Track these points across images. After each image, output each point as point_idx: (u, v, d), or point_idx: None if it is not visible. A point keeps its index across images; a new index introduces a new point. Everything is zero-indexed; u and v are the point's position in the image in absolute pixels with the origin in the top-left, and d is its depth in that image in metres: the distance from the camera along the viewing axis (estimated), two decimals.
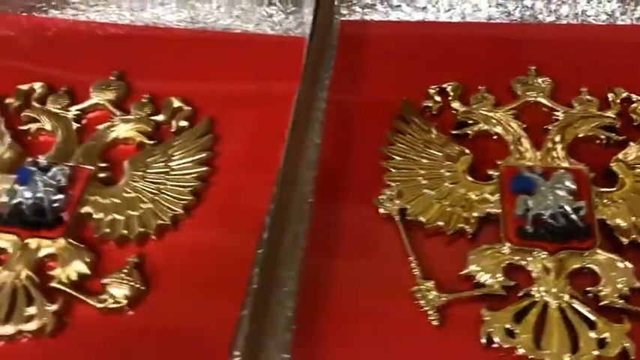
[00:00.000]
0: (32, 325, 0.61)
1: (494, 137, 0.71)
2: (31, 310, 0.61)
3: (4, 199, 0.68)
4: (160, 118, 0.76)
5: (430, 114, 0.74)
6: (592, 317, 0.57)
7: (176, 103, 0.76)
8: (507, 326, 0.57)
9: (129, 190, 0.69)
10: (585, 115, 0.71)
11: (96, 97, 0.78)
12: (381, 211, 0.66)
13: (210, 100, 0.78)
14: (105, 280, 0.63)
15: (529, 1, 0.81)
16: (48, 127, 0.76)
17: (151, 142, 0.74)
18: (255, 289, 0.63)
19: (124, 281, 0.62)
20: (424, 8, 0.83)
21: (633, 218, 0.63)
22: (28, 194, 0.66)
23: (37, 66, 0.85)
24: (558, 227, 0.61)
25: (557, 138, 0.69)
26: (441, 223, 0.64)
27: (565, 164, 0.66)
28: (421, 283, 0.61)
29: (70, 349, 0.61)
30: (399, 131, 0.72)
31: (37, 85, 0.80)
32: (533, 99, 0.73)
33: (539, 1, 0.81)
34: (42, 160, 0.70)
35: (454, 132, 0.71)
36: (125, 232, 0.66)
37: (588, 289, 0.59)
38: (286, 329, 0.61)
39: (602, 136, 0.70)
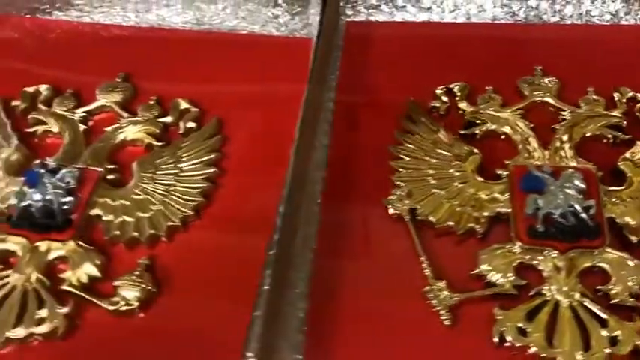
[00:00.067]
0: (44, 328, 0.61)
1: (502, 137, 0.71)
2: (42, 312, 0.61)
3: (13, 201, 0.68)
4: (168, 119, 0.76)
5: (438, 114, 0.74)
6: (603, 315, 0.58)
7: (183, 105, 0.76)
8: (519, 325, 0.58)
9: (138, 192, 0.69)
10: (592, 114, 0.71)
11: (102, 99, 0.78)
12: (391, 211, 0.66)
13: (217, 102, 0.78)
14: (116, 283, 0.63)
15: (534, 2, 0.82)
16: (55, 129, 0.75)
17: (159, 143, 0.74)
18: (266, 290, 0.63)
19: (136, 283, 0.62)
20: (429, 9, 0.83)
21: None
22: (37, 197, 0.66)
23: (41, 68, 0.85)
24: (568, 226, 0.61)
25: (565, 137, 0.69)
26: (451, 223, 0.65)
27: (573, 163, 0.67)
28: (433, 282, 0.61)
29: (81, 351, 0.61)
30: (407, 131, 0.73)
31: (43, 87, 0.80)
32: (540, 99, 0.74)
33: (544, 2, 0.82)
34: (50, 162, 0.70)
35: (462, 132, 0.72)
36: (135, 234, 0.66)
37: (599, 287, 0.60)
38: (298, 330, 0.61)
39: (609, 136, 0.70)
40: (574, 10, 0.81)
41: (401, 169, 0.69)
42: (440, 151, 0.70)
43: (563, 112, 0.73)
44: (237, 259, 0.66)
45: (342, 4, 0.85)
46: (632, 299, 0.59)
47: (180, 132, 0.75)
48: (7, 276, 0.64)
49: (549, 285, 0.60)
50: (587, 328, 0.57)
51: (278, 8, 0.84)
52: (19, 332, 0.60)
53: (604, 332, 0.57)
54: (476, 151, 0.69)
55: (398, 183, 0.68)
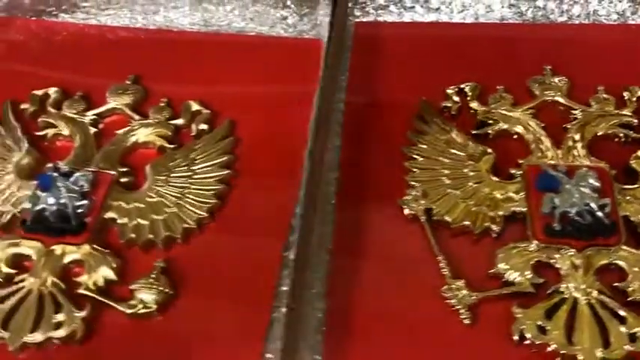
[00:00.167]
0: (61, 332, 0.60)
1: (515, 137, 0.72)
2: (60, 316, 0.61)
3: (27, 205, 0.67)
4: (179, 122, 0.75)
5: (449, 114, 0.74)
6: (622, 312, 0.58)
7: (195, 107, 0.76)
8: (539, 323, 0.58)
9: (152, 195, 0.69)
10: (603, 113, 0.72)
11: (113, 102, 0.78)
12: (406, 211, 0.67)
13: (228, 103, 0.78)
14: (133, 286, 0.63)
15: (541, 2, 0.83)
16: (65, 132, 0.75)
17: (171, 146, 0.73)
18: (284, 291, 0.64)
19: (153, 286, 0.62)
20: (437, 9, 0.84)
21: None
22: (51, 200, 0.66)
23: (48, 70, 0.84)
24: (585, 224, 0.62)
25: (577, 136, 0.70)
26: (467, 223, 0.65)
27: (586, 162, 0.67)
28: (451, 282, 0.61)
29: (99, 355, 0.61)
30: (419, 132, 0.73)
31: (52, 90, 0.79)
32: (550, 98, 0.74)
33: (551, 2, 0.82)
34: (63, 165, 0.69)
35: (475, 132, 0.72)
36: (151, 236, 0.66)
37: (616, 284, 0.60)
38: (317, 331, 0.61)
39: (621, 134, 0.71)
40: (581, 9, 0.82)
41: (415, 170, 0.70)
42: (453, 150, 0.70)
43: (574, 112, 0.73)
44: (252, 260, 0.66)
45: (350, 4, 0.85)
46: None
47: (193, 134, 0.75)
48: (23, 280, 0.64)
49: (567, 283, 0.60)
50: (606, 326, 0.58)
51: (286, 9, 0.84)
52: (37, 337, 0.60)
53: (623, 329, 0.57)
54: (489, 150, 0.69)
55: (412, 183, 0.68)
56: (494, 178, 0.68)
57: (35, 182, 0.69)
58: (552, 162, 0.68)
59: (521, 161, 0.69)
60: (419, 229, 0.67)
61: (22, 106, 0.78)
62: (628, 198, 0.65)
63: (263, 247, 0.67)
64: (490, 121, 0.73)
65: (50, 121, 0.76)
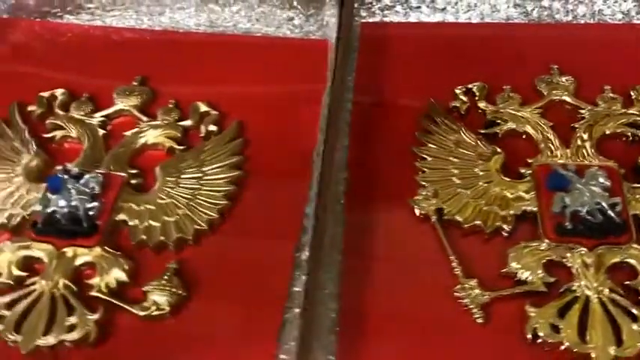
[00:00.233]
0: (74, 335, 0.60)
1: (523, 136, 0.72)
2: (72, 319, 0.61)
3: (37, 207, 0.67)
4: (188, 123, 0.75)
5: (458, 114, 0.75)
6: (634, 310, 0.58)
7: (203, 108, 0.76)
8: (552, 322, 0.58)
9: (163, 197, 0.69)
10: (610, 112, 0.72)
11: (120, 103, 0.77)
12: (417, 211, 0.67)
13: (235, 104, 0.78)
14: (146, 288, 0.62)
15: (547, 2, 0.83)
16: (74, 134, 0.75)
17: (181, 147, 0.73)
18: (297, 291, 0.64)
19: (166, 288, 0.62)
20: (443, 9, 0.84)
21: None
22: (62, 203, 0.66)
23: (53, 72, 0.84)
24: (596, 223, 0.62)
25: (585, 136, 0.70)
26: (478, 222, 0.65)
27: (595, 161, 0.68)
28: (464, 281, 0.61)
29: (113, 357, 0.60)
30: (428, 132, 0.73)
31: (59, 92, 0.79)
32: (558, 98, 0.75)
33: (557, 2, 0.83)
34: (74, 167, 0.69)
35: (483, 131, 0.72)
36: (162, 238, 0.66)
37: (627, 282, 0.61)
38: (330, 331, 0.61)
39: (629, 133, 0.71)
40: (587, 9, 0.83)
41: (425, 169, 0.70)
42: (462, 150, 0.71)
43: (581, 111, 0.74)
44: (264, 261, 0.66)
45: (356, 5, 0.85)
46: None
47: (201, 135, 0.75)
48: (34, 283, 0.63)
49: (579, 281, 0.60)
50: (619, 324, 0.58)
51: (293, 10, 0.84)
52: (50, 340, 0.60)
53: (635, 327, 0.58)
54: (499, 150, 0.70)
55: (423, 183, 0.69)
56: (505, 178, 0.68)
57: (44, 184, 0.69)
58: (562, 161, 0.68)
59: (530, 160, 0.69)
60: (429, 228, 0.67)
61: (29, 108, 0.78)
62: (638, 197, 0.65)
63: (274, 248, 0.67)
64: (499, 121, 0.73)
65: (58, 122, 0.76)
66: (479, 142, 0.71)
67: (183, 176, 0.70)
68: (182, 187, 0.70)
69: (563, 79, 0.76)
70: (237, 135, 0.74)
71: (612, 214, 0.62)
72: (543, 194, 0.65)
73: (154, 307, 0.61)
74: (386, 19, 0.85)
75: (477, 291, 0.61)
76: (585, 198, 0.63)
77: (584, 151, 0.69)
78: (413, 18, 0.85)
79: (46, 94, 0.79)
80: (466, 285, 0.61)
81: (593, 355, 0.57)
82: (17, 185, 0.70)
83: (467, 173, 0.69)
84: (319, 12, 0.84)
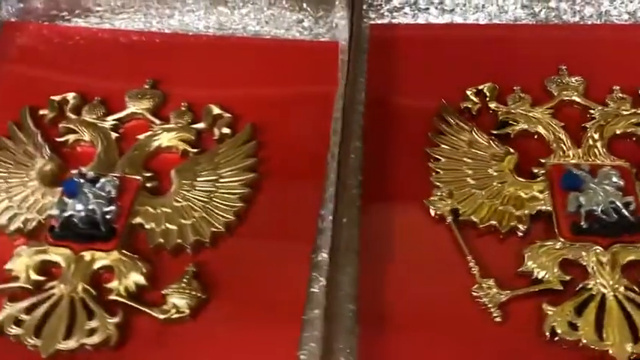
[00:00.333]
0: (95, 339, 0.60)
1: (535, 136, 0.73)
2: (93, 323, 0.61)
3: (54, 212, 0.67)
4: (201, 125, 0.76)
5: (469, 115, 0.75)
6: None
7: (216, 111, 0.76)
8: (569, 319, 0.59)
9: (179, 200, 0.69)
10: (620, 112, 0.73)
11: (133, 107, 0.78)
12: (433, 212, 0.68)
13: (246, 106, 0.78)
14: (165, 291, 0.63)
15: (554, 3, 0.84)
16: (87, 137, 0.75)
17: (194, 150, 0.74)
18: (315, 293, 0.64)
19: (185, 291, 0.62)
20: (452, 11, 0.84)
21: None
22: (79, 207, 0.66)
23: (62, 75, 0.84)
24: (611, 222, 0.63)
25: (596, 135, 0.71)
26: (494, 222, 0.66)
27: (607, 161, 0.69)
28: (481, 281, 0.62)
29: None
30: (440, 132, 0.74)
31: (71, 96, 0.79)
32: (568, 98, 0.76)
33: (564, 2, 0.84)
34: (89, 171, 0.69)
35: (496, 132, 0.73)
36: (179, 241, 0.66)
37: None
38: (350, 332, 0.62)
39: (639, 133, 0.72)
40: (593, 10, 0.84)
41: (439, 170, 0.71)
42: (476, 151, 0.71)
43: (591, 111, 0.74)
44: (281, 262, 0.66)
45: (364, 7, 0.85)
46: None
47: (215, 138, 0.75)
48: (52, 287, 0.63)
49: (594, 280, 0.61)
50: (635, 321, 0.59)
51: (302, 12, 0.85)
52: (70, 344, 0.60)
53: None
54: (512, 150, 0.71)
55: (437, 184, 0.69)
56: (519, 178, 0.69)
57: (60, 189, 0.69)
58: (574, 161, 0.69)
59: (543, 160, 0.70)
60: (445, 229, 0.68)
61: (41, 112, 0.78)
62: None
63: (291, 250, 0.67)
64: (511, 122, 0.74)
65: (71, 126, 0.76)
66: (492, 143, 0.72)
67: (198, 179, 0.70)
68: (198, 190, 0.70)
69: (573, 79, 0.77)
70: (250, 137, 0.75)
71: (626, 213, 0.63)
72: (558, 194, 0.66)
73: (173, 310, 0.62)
74: (394, 21, 0.86)
75: (495, 290, 0.61)
76: (599, 197, 0.64)
77: (595, 150, 0.70)
78: (421, 19, 0.85)
79: (57, 97, 0.79)
80: (484, 284, 0.62)
81: (610, 352, 0.58)
82: (32, 189, 0.70)
83: (481, 174, 0.70)
84: (328, 14, 0.84)
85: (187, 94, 0.80)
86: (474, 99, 0.76)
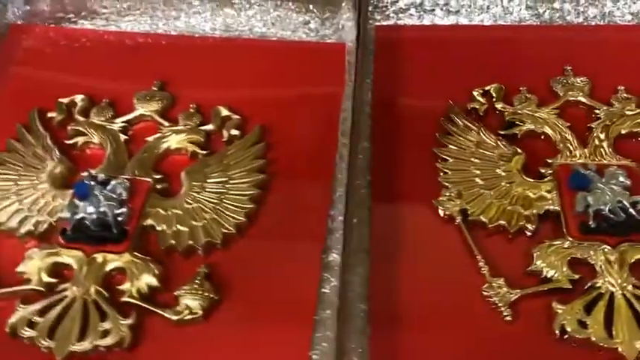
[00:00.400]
0: (109, 340, 0.61)
1: (542, 137, 0.74)
2: (106, 325, 0.61)
3: (65, 214, 0.67)
4: (210, 127, 0.76)
5: (476, 115, 0.76)
6: None
7: (224, 112, 0.77)
8: (579, 317, 0.60)
9: (190, 201, 0.69)
10: (625, 112, 0.74)
11: (141, 109, 0.78)
12: (441, 212, 0.68)
13: (254, 108, 0.79)
14: (178, 292, 0.63)
15: (558, 4, 0.85)
16: (96, 140, 0.75)
17: (204, 152, 0.74)
18: (326, 293, 0.64)
19: (198, 292, 0.63)
20: (457, 12, 0.85)
21: None
22: (90, 209, 0.66)
23: (69, 77, 0.84)
24: (619, 221, 0.64)
25: (602, 135, 0.72)
26: (503, 222, 0.67)
27: (614, 161, 0.70)
28: (491, 280, 0.63)
29: None
30: (448, 133, 0.74)
31: (79, 98, 0.79)
32: (574, 98, 0.76)
33: (568, 3, 0.84)
34: (99, 173, 0.69)
35: (503, 132, 0.74)
36: (191, 242, 0.67)
37: None
38: (362, 332, 0.62)
39: None
40: (597, 11, 0.84)
41: (447, 171, 0.71)
42: (483, 151, 0.72)
43: (596, 111, 0.75)
44: (292, 263, 0.67)
45: (370, 8, 0.86)
46: None
47: (224, 140, 0.75)
48: (65, 289, 0.64)
49: (602, 278, 0.62)
50: None
51: (309, 14, 0.85)
52: (84, 345, 0.60)
53: None
54: (519, 150, 0.71)
55: (446, 184, 0.70)
56: (527, 178, 0.69)
57: (70, 191, 0.70)
58: (581, 161, 0.70)
59: (550, 161, 0.71)
60: (453, 229, 0.68)
61: (49, 115, 0.78)
62: None
63: (302, 250, 0.68)
64: (518, 122, 0.74)
65: (79, 129, 0.76)
66: (499, 143, 0.72)
67: (208, 181, 0.71)
68: (208, 192, 0.70)
69: (578, 80, 0.78)
70: (259, 139, 0.75)
71: (634, 212, 0.64)
72: (565, 194, 0.67)
73: (186, 312, 0.62)
74: (400, 23, 0.87)
75: (505, 289, 0.62)
76: (607, 197, 0.64)
77: (601, 150, 0.71)
78: (427, 21, 0.86)
79: (65, 100, 0.79)
80: (494, 284, 0.63)
81: (620, 349, 0.58)
82: (42, 192, 0.71)
83: (489, 174, 0.70)
84: (335, 15, 0.85)
85: (194, 96, 0.80)
86: (481, 100, 0.77)
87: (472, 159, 0.72)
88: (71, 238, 0.66)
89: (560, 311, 0.60)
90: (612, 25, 0.84)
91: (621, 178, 0.65)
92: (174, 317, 0.62)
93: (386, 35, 0.86)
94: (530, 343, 0.61)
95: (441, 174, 0.71)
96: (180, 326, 0.63)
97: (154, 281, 0.64)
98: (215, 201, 0.70)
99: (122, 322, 0.61)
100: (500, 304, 0.61)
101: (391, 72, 0.83)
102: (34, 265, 0.65)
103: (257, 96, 0.81)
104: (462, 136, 0.74)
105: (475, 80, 0.80)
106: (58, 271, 0.66)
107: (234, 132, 0.75)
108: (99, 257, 0.65)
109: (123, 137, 0.76)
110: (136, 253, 0.66)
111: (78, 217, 0.66)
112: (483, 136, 0.73)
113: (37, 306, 0.63)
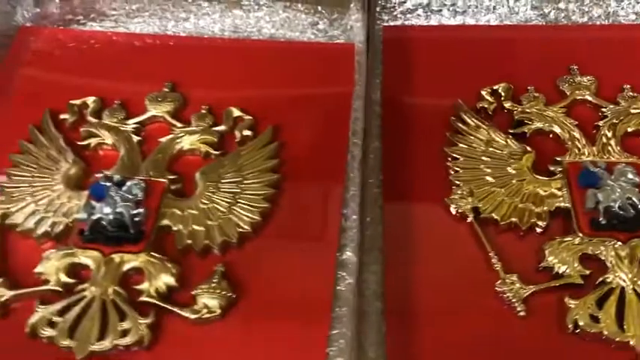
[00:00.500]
0: (128, 340, 0.61)
1: (550, 135, 0.75)
2: (125, 324, 0.62)
3: (81, 215, 0.68)
4: (222, 128, 0.77)
5: (485, 114, 0.77)
6: None
7: (236, 113, 0.77)
8: (591, 312, 0.61)
9: (205, 201, 0.70)
10: (631, 110, 0.76)
11: (153, 110, 0.78)
12: (453, 210, 0.69)
13: (265, 108, 0.79)
14: (195, 291, 0.64)
15: (563, 4, 0.86)
16: (109, 141, 0.76)
17: (217, 152, 0.75)
18: (342, 291, 0.65)
19: (216, 291, 0.64)
20: (464, 12, 0.86)
21: None
22: (107, 210, 0.66)
23: (78, 79, 0.84)
24: (628, 217, 0.65)
25: (609, 133, 0.73)
26: (514, 220, 0.68)
27: (622, 158, 0.71)
28: (505, 276, 0.64)
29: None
30: (458, 132, 0.75)
31: (90, 100, 0.79)
32: (581, 97, 0.78)
33: (573, 4, 0.86)
34: (115, 174, 0.70)
35: (512, 131, 0.75)
36: (207, 242, 0.68)
37: None
38: (378, 329, 0.63)
39: None
40: (601, 11, 0.86)
41: (458, 169, 0.72)
42: (494, 150, 0.73)
43: (603, 109, 0.77)
44: (307, 261, 0.68)
45: (378, 9, 0.87)
46: None
47: (237, 140, 0.76)
48: (83, 289, 0.64)
49: (613, 273, 0.63)
50: None
51: (317, 15, 0.86)
52: (105, 345, 0.61)
53: None
54: (529, 149, 0.73)
55: (457, 182, 0.71)
56: (537, 176, 0.71)
57: (85, 192, 0.70)
58: (589, 159, 0.71)
59: (559, 159, 0.72)
60: (465, 226, 0.69)
61: (62, 116, 0.78)
62: None
63: (316, 249, 0.69)
64: (527, 121, 0.75)
65: (92, 130, 0.76)
66: (509, 142, 0.73)
67: (223, 181, 0.72)
68: (223, 192, 0.71)
69: (585, 79, 0.79)
70: (271, 139, 0.76)
71: None
72: (575, 191, 0.68)
73: (205, 310, 0.63)
74: (407, 23, 0.87)
75: (518, 285, 0.63)
76: (617, 194, 0.66)
77: (609, 148, 0.72)
78: (434, 21, 0.87)
79: (77, 101, 0.79)
80: (507, 280, 0.64)
81: (632, 342, 0.60)
82: (58, 193, 0.71)
83: (500, 172, 0.72)
84: (343, 16, 0.86)
85: (204, 97, 0.81)
86: (490, 99, 0.78)
87: (482, 157, 0.73)
88: (89, 238, 0.66)
89: (572, 306, 0.62)
90: (617, 25, 0.86)
91: (630, 175, 0.67)
92: (193, 316, 0.63)
93: (394, 36, 0.87)
94: (544, 337, 0.62)
95: (452, 172, 0.72)
96: (198, 325, 0.63)
97: (171, 281, 0.65)
98: (230, 201, 0.70)
99: (141, 321, 0.62)
100: (513, 300, 0.63)
101: (399, 72, 0.84)
102: (52, 266, 0.66)
103: (267, 96, 0.82)
104: (472, 135, 0.75)
105: (482, 79, 0.81)
106: (76, 271, 0.66)
107: (247, 132, 0.76)
108: (116, 257, 0.66)
109: (136, 138, 0.76)
110: (153, 253, 0.66)
111: (95, 217, 0.67)
112: (493, 135, 0.74)
113: (57, 306, 0.63)
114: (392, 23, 0.87)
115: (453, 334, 0.63)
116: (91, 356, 0.61)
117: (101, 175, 0.71)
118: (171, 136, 0.76)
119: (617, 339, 0.60)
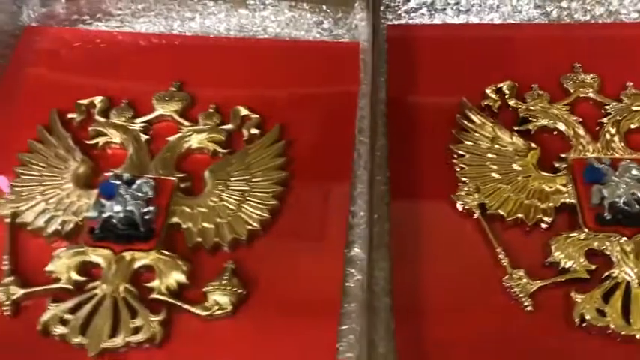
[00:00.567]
0: (140, 337, 0.62)
1: (554, 132, 0.76)
2: (137, 321, 0.63)
3: (92, 214, 0.68)
4: (230, 127, 0.77)
5: (490, 112, 0.78)
6: None
7: (243, 112, 0.78)
8: (597, 306, 0.62)
9: (214, 199, 0.71)
10: (634, 108, 0.76)
11: (161, 109, 0.79)
12: (460, 206, 0.70)
13: (271, 107, 0.80)
14: (206, 288, 0.65)
15: (565, 2, 0.87)
16: (117, 140, 0.76)
17: (225, 151, 0.75)
18: (350, 287, 0.66)
19: (227, 287, 0.64)
20: (467, 11, 0.87)
21: None
22: (117, 208, 0.67)
23: (84, 79, 0.85)
24: (633, 213, 0.66)
25: (613, 130, 0.74)
26: (520, 216, 0.69)
27: (626, 154, 0.72)
28: (512, 271, 0.65)
29: (179, 357, 0.63)
30: (464, 129, 0.76)
31: (98, 99, 0.80)
32: (584, 95, 0.78)
33: (575, 2, 0.87)
34: (125, 173, 0.70)
35: (517, 128, 0.76)
36: (217, 239, 0.68)
37: None
38: (387, 325, 0.64)
39: None
40: (603, 9, 0.87)
41: (464, 166, 0.73)
42: (499, 147, 0.74)
43: (606, 107, 0.77)
44: (316, 258, 0.68)
45: (382, 8, 0.88)
46: None
47: (244, 139, 0.76)
48: (95, 287, 0.65)
49: (619, 268, 0.64)
50: None
51: (322, 14, 0.87)
52: (117, 342, 0.62)
53: None
54: (534, 145, 0.73)
55: (463, 179, 0.72)
56: (542, 173, 0.72)
57: (95, 191, 0.71)
58: (594, 155, 0.72)
59: (563, 155, 0.73)
60: (472, 223, 0.70)
61: (70, 116, 0.79)
62: None
63: (324, 246, 0.69)
64: (531, 118, 0.76)
65: (101, 129, 0.77)
66: (514, 139, 0.74)
67: (231, 179, 0.72)
68: (232, 190, 0.72)
69: (588, 76, 0.80)
70: (278, 137, 0.76)
71: None
72: (581, 187, 0.69)
73: (216, 307, 0.64)
74: (411, 22, 0.88)
75: (525, 280, 0.64)
76: (621, 190, 0.66)
77: (613, 145, 0.73)
78: (438, 20, 0.88)
79: (85, 101, 0.80)
80: (514, 275, 0.65)
81: (638, 336, 0.61)
82: (67, 192, 0.72)
83: (505, 169, 0.72)
84: (347, 15, 0.86)
85: (211, 96, 0.82)
86: (494, 96, 0.79)
87: (488, 154, 0.74)
88: (100, 237, 0.67)
89: (579, 300, 0.63)
90: (618, 23, 0.87)
91: (634, 171, 0.68)
92: (204, 313, 0.64)
93: (398, 34, 0.88)
94: (551, 331, 0.63)
95: (458, 169, 0.73)
96: (209, 322, 0.64)
97: (182, 278, 0.66)
98: (239, 198, 0.71)
99: (153, 318, 0.63)
100: (520, 295, 0.64)
101: (404, 70, 0.84)
102: (62, 264, 0.66)
103: (273, 95, 0.82)
104: (477, 132, 0.76)
105: (486, 77, 0.82)
106: (87, 269, 0.67)
107: (254, 131, 0.77)
108: (127, 255, 0.66)
109: (144, 137, 0.77)
110: (163, 251, 0.67)
111: (105, 216, 0.67)
112: (499, 132, 0.75)
113: (69, 304, 0.64)
114: (396, 22, 0.88)
115: (462, 328, 0.63)
116: (104, 353, 0.62)
117: (111, 173, 0.71)
118: (179, 134, 0.77)
119: (623, 332, 0.61)
